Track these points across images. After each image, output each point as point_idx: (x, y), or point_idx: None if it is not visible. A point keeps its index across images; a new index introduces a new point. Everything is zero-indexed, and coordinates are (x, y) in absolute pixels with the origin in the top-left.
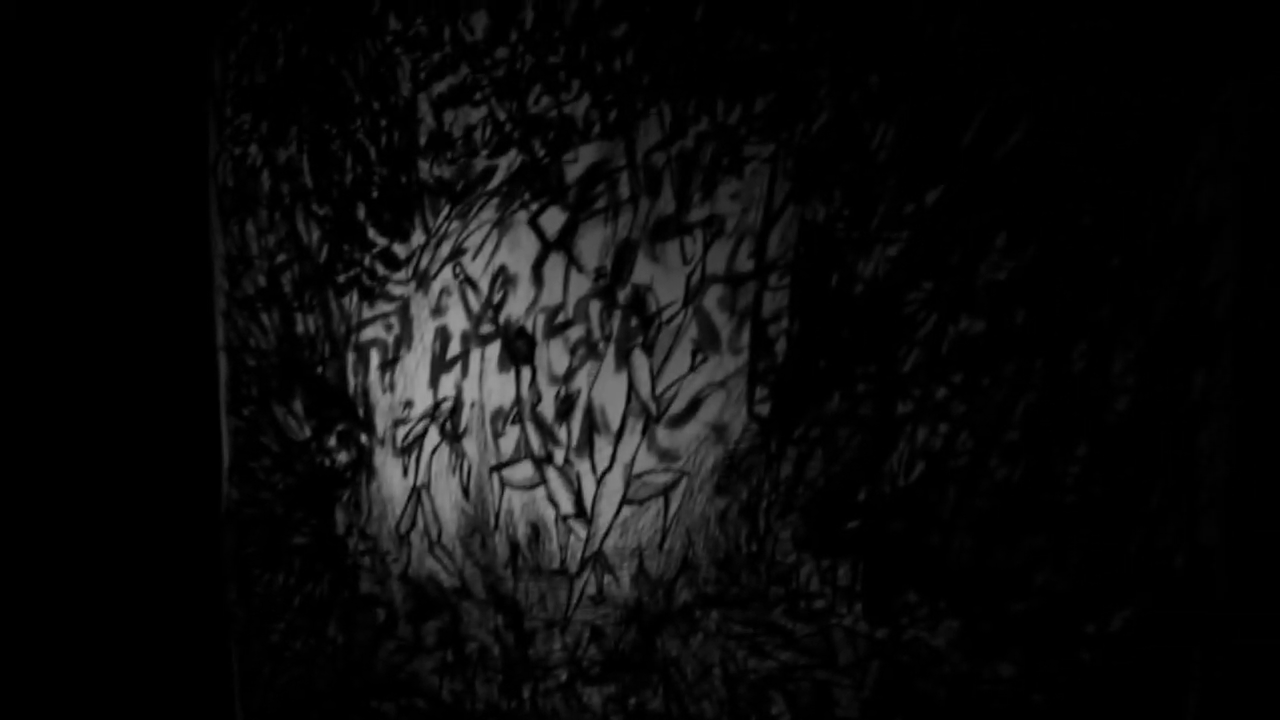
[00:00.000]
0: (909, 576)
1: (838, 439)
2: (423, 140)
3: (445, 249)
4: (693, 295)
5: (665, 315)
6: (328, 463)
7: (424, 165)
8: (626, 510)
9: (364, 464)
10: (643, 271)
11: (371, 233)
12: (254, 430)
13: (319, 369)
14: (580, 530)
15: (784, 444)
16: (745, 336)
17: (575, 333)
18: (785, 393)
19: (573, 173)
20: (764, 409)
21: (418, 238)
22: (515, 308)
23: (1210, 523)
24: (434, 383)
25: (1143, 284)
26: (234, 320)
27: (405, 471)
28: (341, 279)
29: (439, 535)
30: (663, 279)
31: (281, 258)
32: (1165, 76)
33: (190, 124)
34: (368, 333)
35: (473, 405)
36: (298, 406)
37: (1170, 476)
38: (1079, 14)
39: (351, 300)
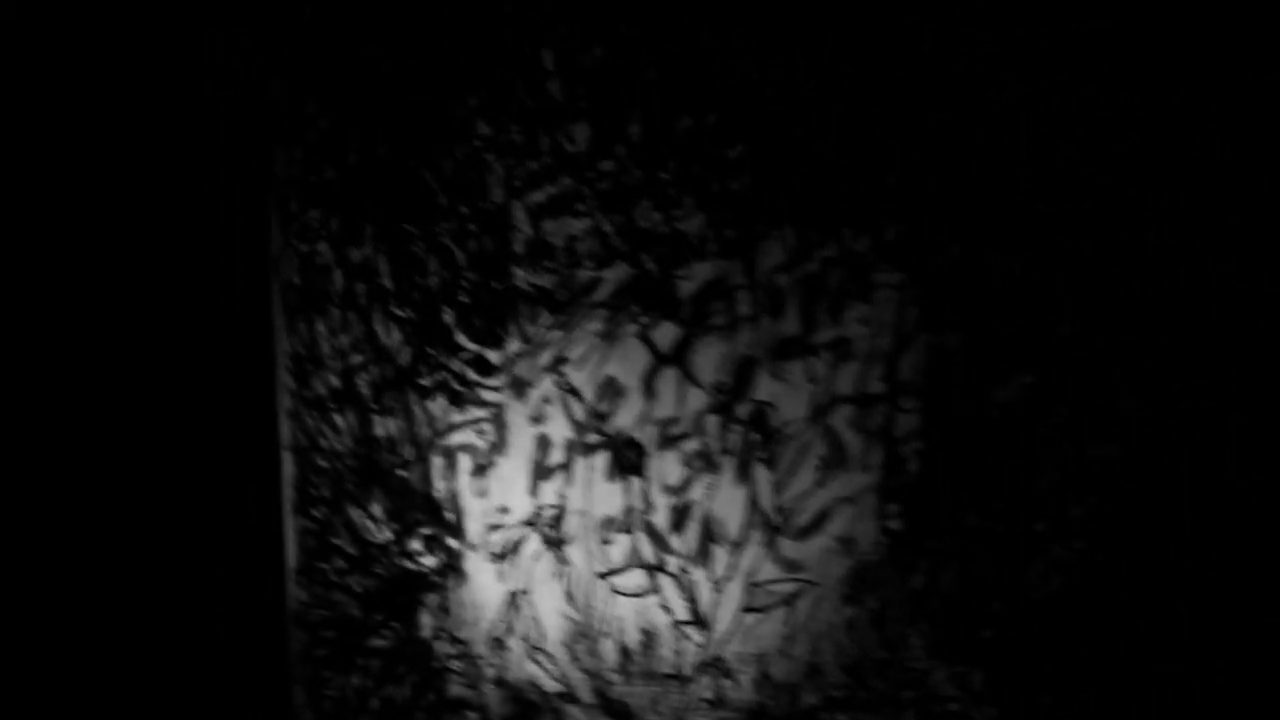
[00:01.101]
0: (1044, 682)
1: (971, 553)
2: (518, 248)
3: (545, 357)
4: (820, 413)
5: (789, 431)
6: (412, 566)
7: (520, 273)
8: (748, 617)
9: (454, 568)
10: (764, 388)
11: (460, 338)
12: (325, 532)
13: (400, 472)
14: (696, 636)
15: (916, 557)
16: (876, 454)
17: (691, 445)
18: (919, 508)
19: (686, 288)
20: (896, 523)
21: (513, 345)
22: (625, 418)
23: None
24: (534, 490)
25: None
26: (302, 420)
27: (501, 576)
28: (426, 383)
29: (540, 639)
30: (786, 396)
31: (358, 358)
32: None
33: (251, 217)
34: (457, 437)
35: (578, 513)
36: (376, 509)
37: None
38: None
39: (438, 405)
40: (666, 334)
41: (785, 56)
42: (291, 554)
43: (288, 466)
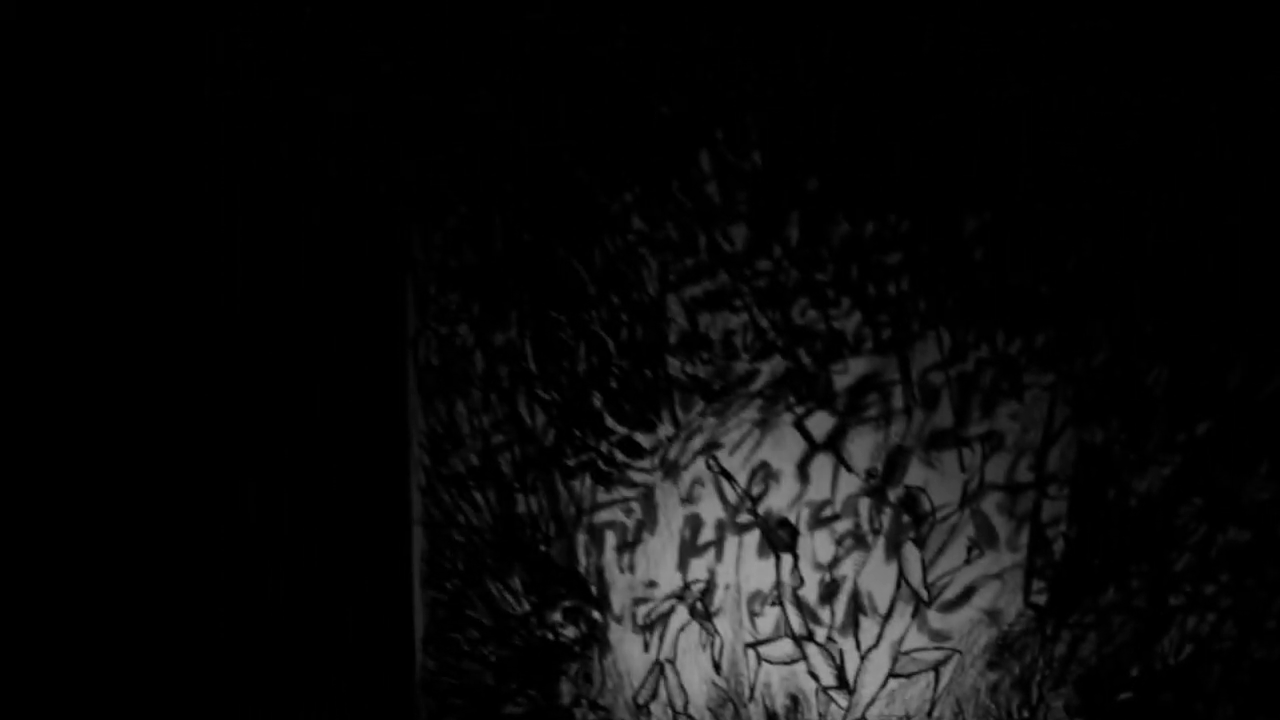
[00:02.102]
0: None
1: (1112, 624)
2: (673, 338)
3: (697, 442)
4: (970, 499)
5: (940, 515)
6: (550, 636)
7: (674, 362)
8: (893, 683)
9: (596, 638)
10: (915, 475)
11: (609, 421)
12: (457, 603)
13: (542, 547)
14: (842, 700)
15: (1059, 627)
16: (1023, 537)
17: (842, 525)
18: (1062, 585)
19: (841, 381)
20: (1040, 598)
21: (665, 430)
22: (777, 501)
23: None
24: (682, 565)
25: None
26: (437, 496)
27: (646, 647)
28: (572, 463)
29: (685, 706)
30: (937, 483)
31: (499, 438)
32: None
33: (387, 299)
34: (603, 515)
35: (727, 587)
36: (515, 582)
37: None
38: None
39: (583, 483)
40: (821, 423)
41: (949, 177)
42: (420, 624)
43: (419, 540)
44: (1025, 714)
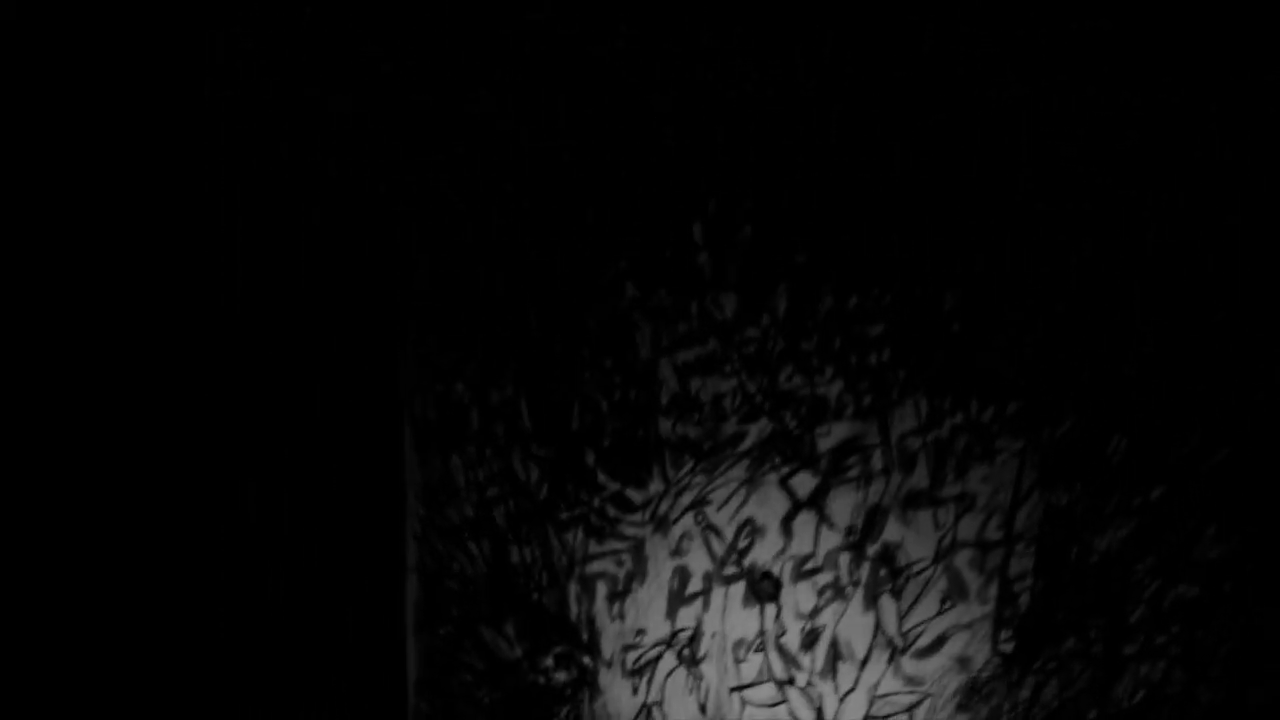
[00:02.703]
0: None
1: (1072, 670)
2: (664, 400)
3: (686, 498)
4: (943, 555)
5: (915, 569)
6: (542, 680)
7: (665, 423)
8: None
9: (586, 682)
10: (893, 532)
11: (602, 477)
12: (451, 649)
13: (535, 596)
14: None
15: (1024, 674)
16: (992, 590)
17: (823, 578)
18: (1027, 634)
19: (824, 444)
20: (1007, 647)
21: (655, 486)
22: (762, 554)
23: None
24: (671, 614)
25: None
26: (432, 545)
27: (635, 691)
28: (564, 516)
29: None
30: (913, 539)
31: (494, 491)
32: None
33: (384, 357)
34: (594, 566)
35: (713, 635)
36: (509, 629)
37: None
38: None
39: (576, 536)
40: (805, 482)
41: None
42: (413, 667)
43: (413, 587)
44: None
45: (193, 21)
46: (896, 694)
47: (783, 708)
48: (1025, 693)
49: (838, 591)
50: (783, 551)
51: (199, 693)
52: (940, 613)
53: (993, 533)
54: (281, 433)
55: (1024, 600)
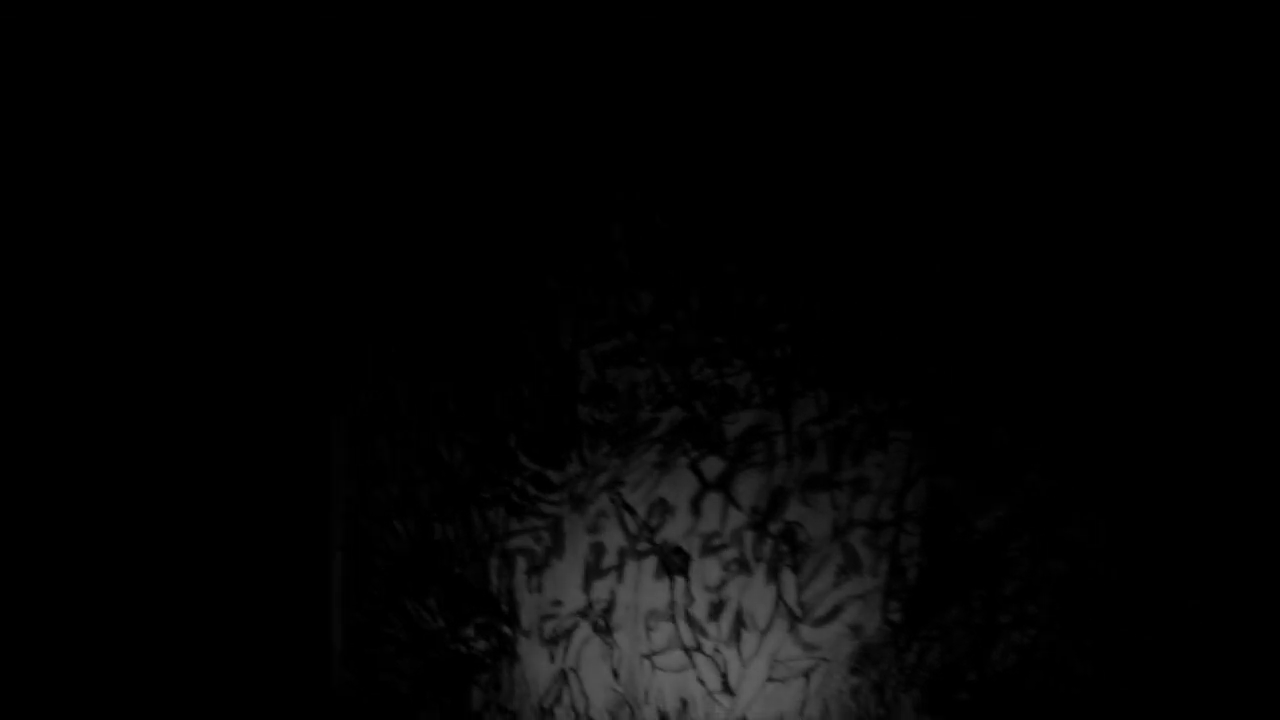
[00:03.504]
0: None
1: (954, 637)
2: (583, 389)
3: (603, 479)
4: (840, 533)
5: (814, 546)
6: (464, 649)
7: (583, 409)
8: (770, 686)
9: (505, 651)
10: (794, 512)
11: (523, 459)
12: (375, 622)
13: (457, 570)
14: (725, 702)
15: (910, 640)
16: (883, 565)
17: (729, 554)
18: (914, 605)
19: (732, 430)
20: (896, 616)
21: (574, 468)
22: (672, 531)
23: None
24: (586, 587)
25: None
26: (358, 523)
27: (552, 658)
28: (487, 495)
29: (586, 709)
30: (812, 519)
31: (419, 472)
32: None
33: (313, 342)
34: (515, 542)
35: (626, 606)
36: (432, 603)
37: None
38: None
39: (498, 514)
40: (713, 466)
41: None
42: (338, 639)
43: (339, 564)
44: (881, 712)
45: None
46: (795, 659)
47: (690, 673)
48: (912, 657)
49: (742, 566)
50: (692, 529)
51: (127, 665)
52: (836, 585)
53: (885, 513)
54: (211, 417)
55: (912, 574)
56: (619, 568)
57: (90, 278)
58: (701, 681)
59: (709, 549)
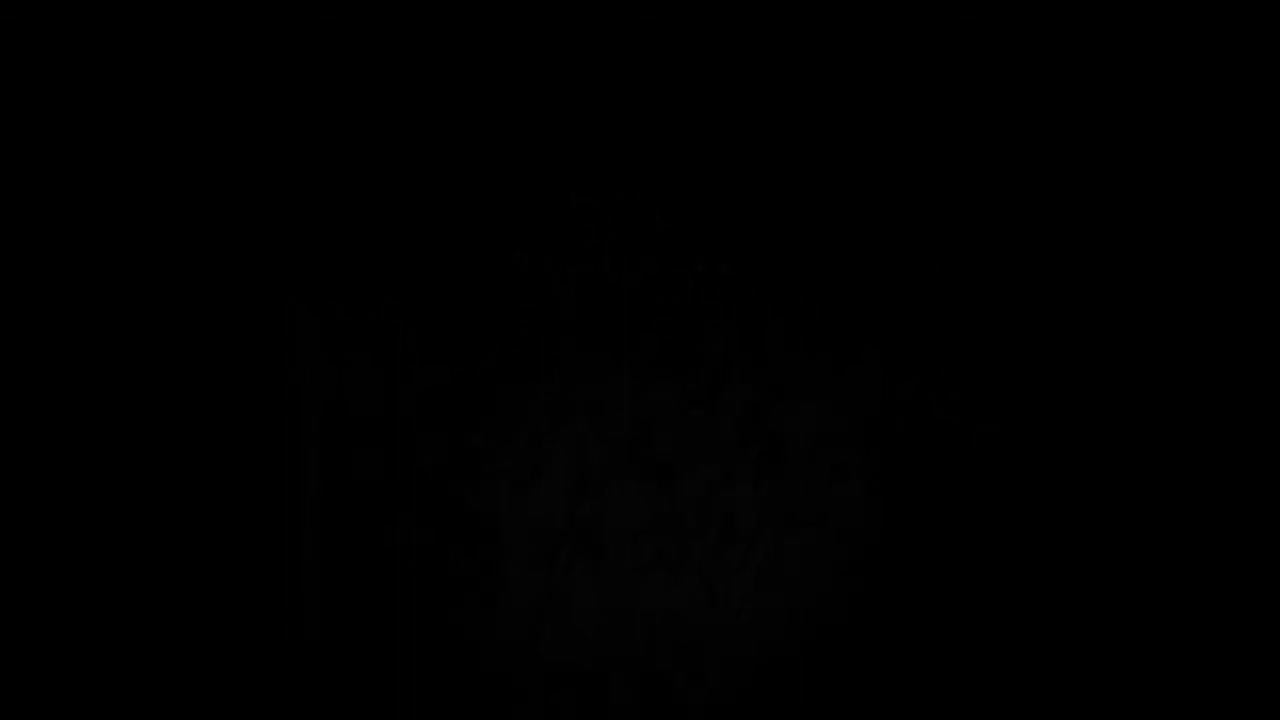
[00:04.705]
0: None
1: None
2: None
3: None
4: None
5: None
6: (446, 571)
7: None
8: (759, 595)
9: (489, 571)
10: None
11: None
12: (353, 546)
13: (439, 490)
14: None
15: None
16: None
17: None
18: None
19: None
20: None
21: (555, 385)
22: (659, 447)
23: None
24: (570, 504)
25: None
26: (334, 446)
27: (537, 578)
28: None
29: (572, 627)
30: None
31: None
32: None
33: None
34: (499, 463)
35: (612, 521)
36: (412, 523)
37: None
38: None
39: (480, 437)
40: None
41: None
42: (314, 560)
43: (314, 486)
44: None
45: None
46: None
47: (679, 587)
48: None
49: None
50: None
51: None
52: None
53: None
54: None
55: None
56: (602, 485)
57: None
58: (689, 595)
59: (695, 460)
